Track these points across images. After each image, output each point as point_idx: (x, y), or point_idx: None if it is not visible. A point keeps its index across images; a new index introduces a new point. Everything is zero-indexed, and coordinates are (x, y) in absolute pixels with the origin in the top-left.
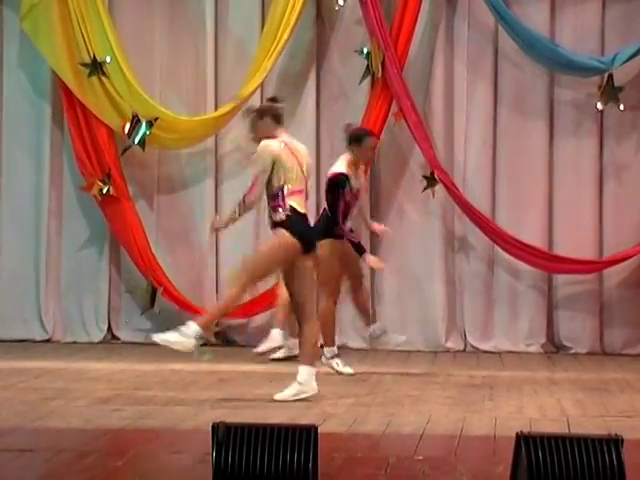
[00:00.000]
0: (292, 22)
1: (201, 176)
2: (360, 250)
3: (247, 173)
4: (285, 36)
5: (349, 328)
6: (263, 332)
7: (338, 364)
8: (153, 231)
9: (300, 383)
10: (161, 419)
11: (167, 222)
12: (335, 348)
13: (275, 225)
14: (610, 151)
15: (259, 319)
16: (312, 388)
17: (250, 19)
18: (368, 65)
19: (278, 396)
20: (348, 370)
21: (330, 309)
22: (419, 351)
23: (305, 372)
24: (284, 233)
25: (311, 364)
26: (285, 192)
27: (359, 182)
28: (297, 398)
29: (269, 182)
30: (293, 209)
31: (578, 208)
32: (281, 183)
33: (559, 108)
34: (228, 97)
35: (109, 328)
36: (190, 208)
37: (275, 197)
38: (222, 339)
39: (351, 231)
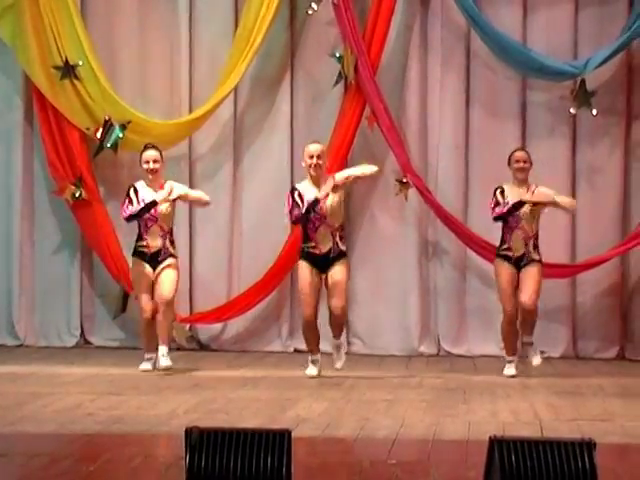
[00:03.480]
0: (266, 24)
1: (175, 180)
2: None
3: (221, 177)
4: (259, 38)
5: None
6: (235, 336)
7: None
8: (125, 235)
9: None
10: (134, 424)
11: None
12: None
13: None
14: (583, 155)
15: (233, 323)
16: None
17: (224, 21)
18: (341, 69)
19: None
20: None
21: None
22: (393, 355)
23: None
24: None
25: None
26: None
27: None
28: None
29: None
30: None
31: (551, 212)
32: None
33: (532, 111)
34: (202, 100)
35: (82, 333)
36: None
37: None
38: (195, 343)
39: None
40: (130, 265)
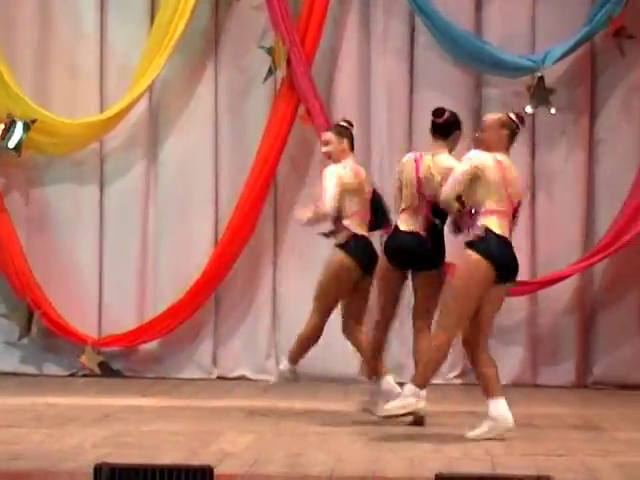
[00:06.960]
0: (188, 11)
1: (80, 179)
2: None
3: (133, 175)
4: (180, 27)
5: (247, 358)
6: (150, 361)
7: None
8: (32, 246)
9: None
10: (36, 460)
11: (42, 234)
12: None
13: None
14: (541, 158)
15: (146, 347)
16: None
17: (138, 7)
18: (271, 63)
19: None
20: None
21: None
22: (330, 381)
23: None
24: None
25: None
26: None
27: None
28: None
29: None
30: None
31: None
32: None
33: (485, 108)
34: (114, 98)
35: None
36: (69, 218)
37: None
38: (105, 369)
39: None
40: None
